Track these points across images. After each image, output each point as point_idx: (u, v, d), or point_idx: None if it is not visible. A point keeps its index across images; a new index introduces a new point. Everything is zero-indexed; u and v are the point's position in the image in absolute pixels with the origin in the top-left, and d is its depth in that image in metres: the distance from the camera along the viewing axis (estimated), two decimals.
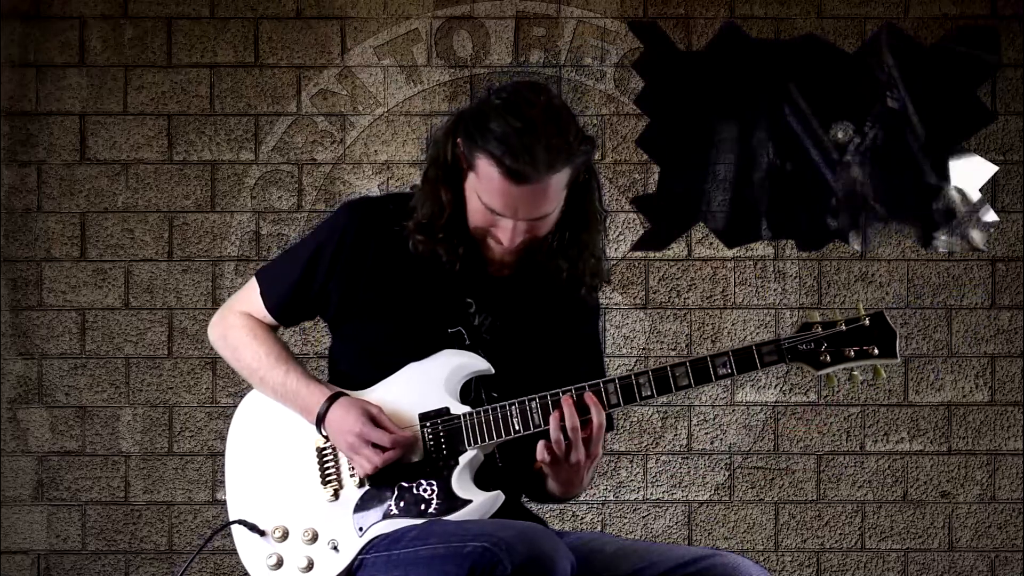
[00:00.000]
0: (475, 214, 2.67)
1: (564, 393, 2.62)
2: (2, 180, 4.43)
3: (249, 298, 2.85)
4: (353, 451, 2.66)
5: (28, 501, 4.42)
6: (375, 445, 2.64)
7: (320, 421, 2.70)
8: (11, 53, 4.43)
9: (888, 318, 2.62)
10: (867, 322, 2.61)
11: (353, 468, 2.70)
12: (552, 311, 2.80)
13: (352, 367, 2.78)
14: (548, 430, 2.62)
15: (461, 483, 2.66)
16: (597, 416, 2.61)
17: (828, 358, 2.61)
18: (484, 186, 2.61)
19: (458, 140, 2.66)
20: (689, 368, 2.62)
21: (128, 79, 4.45)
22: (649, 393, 2.63)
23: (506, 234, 2.64)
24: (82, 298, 4.44)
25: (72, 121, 4.44)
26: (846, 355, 2.61)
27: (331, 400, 2.70)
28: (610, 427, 2.77)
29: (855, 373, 2.63)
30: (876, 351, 2.61)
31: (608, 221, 2.82)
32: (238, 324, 2.83)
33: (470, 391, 2.72)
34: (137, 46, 4.45)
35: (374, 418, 2.66)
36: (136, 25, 4.45)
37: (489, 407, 2.67)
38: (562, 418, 2.59)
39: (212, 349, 2.91)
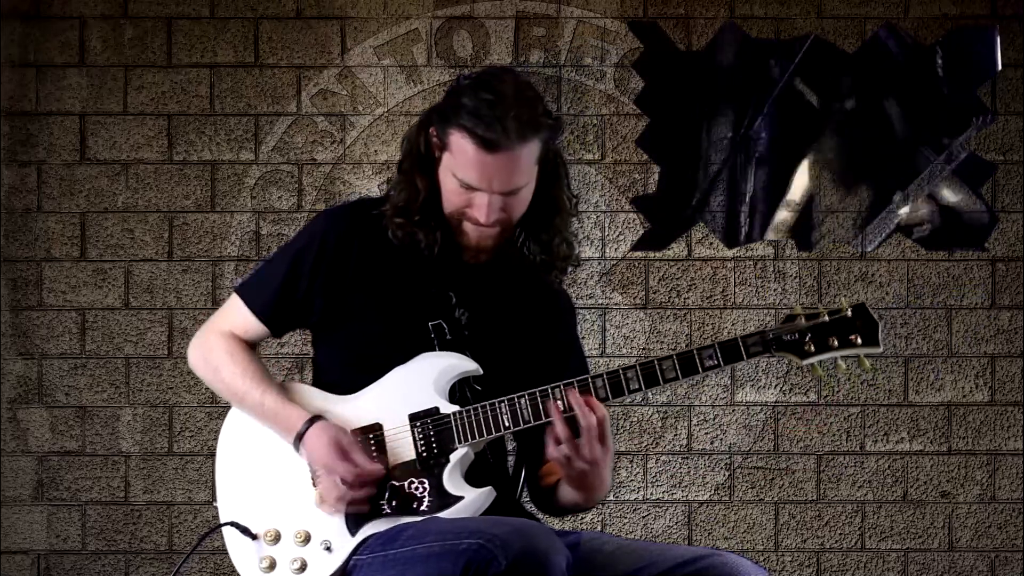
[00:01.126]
0: (451, 195, 2.72)
1: (553, 389, 2.64)
2: (2, 180, 4.44)
3: (230, 315, 2.84)
4: (319, 479, 2.69)
5: (28, 501, 4.43)
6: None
7: (298, 442, 2.71)
8: (11, 53, 4.43)
9: (870, 308, 2.66)
10: (849, 313, 2.66)
11: None
12: (528, 304, 2.83)
13: (339, 373, 2.79)
14: (536, 425, 2.64)
15: (452, 480, 2.66)
16: (600, 409, 2.62)
17: (812, 348, 2.66)
18: (459, 160, 2.66)
19: (431, 130, 2.73)
20: (676, 361, 2.64)
21: (128, 79, 4.46)
22: (637, 386, 2.65)
23: (482, 210, 2.68)
24: (82, 298, 4.44)
25: (72, 121, 4.45)
26: (830, 345, 2.66)
27: (308, 423, 2.70)
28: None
29: (840, 362, 2.67)
30: (859, 340, 2.65)
31: (577, 206, 2.87)
32: (218, 345, 2.82)
33: (455, 388, 2.73)
34: (137, 46, 4.45)
35: (343, 449, 2.66)
36: (136, 25, 4.45)
37: (479, 405, 2.68)
38: (566, 411, 2.62)
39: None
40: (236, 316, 2.83)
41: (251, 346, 2.85)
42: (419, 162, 2.75)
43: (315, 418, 2.71)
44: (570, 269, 2.90)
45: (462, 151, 2.65)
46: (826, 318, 2.66)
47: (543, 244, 2.79)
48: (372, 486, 2.66)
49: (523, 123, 2.63)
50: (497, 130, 2.61)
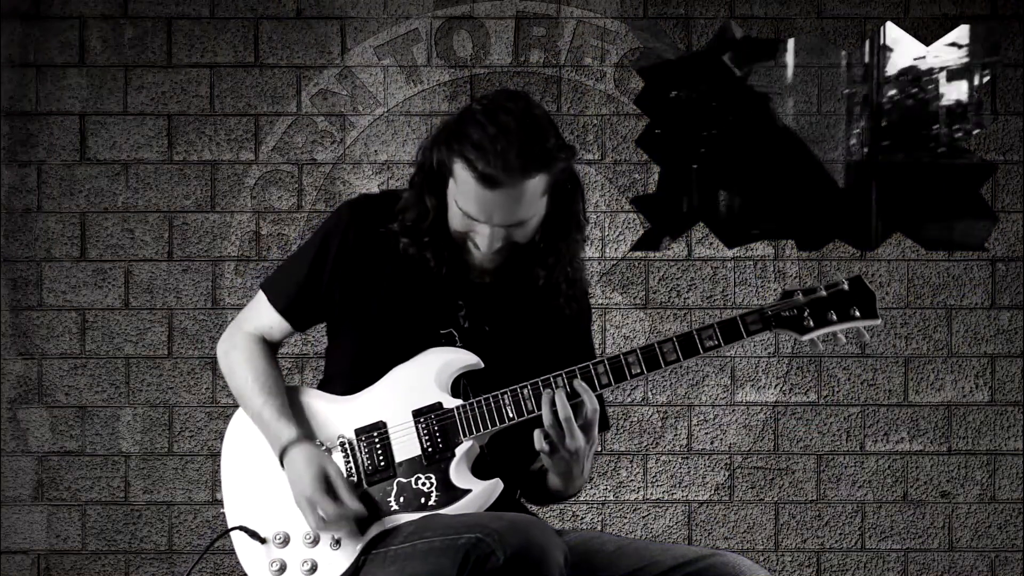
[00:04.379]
0: (454, 219, 2.70)
1: (555, 377, 2.65)
2: (2, 180, 4.43)
3: (258, 312, 2.86)
4: (301, 508, 2.68)
5: (28, 501, 4.42)
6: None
7: (282, 456, 2.72)
8: (11, 53, 4.43)
9: (866, 281, 2.68)
10: (846, 286, 2.67)
11: (349, 469, 2.71)
12: (538, 316, 2.81)
13: (346, 369, 2.79)
14: (540, 416, 2.63)
15: (459, 474, 2.67)
16: (589, 401, 2.63)
17: (811, 323, 2.67)
18: (460, 190, 2.64)
19: (442, 147, 2.69)
20: (676, 343, 2.65)
21: (128, 79, 4.45)
22: (639, 371, 2.65)
23: (483, 240, 2.67)
24: (82, 298, 4.44)
25: (72, 121, 4.45)
26: (829, 319, 2.67)
27: (288, 445, 2.71)
28: (605, 427, 2.79)
29: (840, 336, 2.67)
30: (858, 312, 2.66)
31: (588, 230, 2.83)
32: (240, 346, 2.85)
33: (459, 390, 2.73)
34: (137, 46, 4.45)
35: (329, 482, 2.67)
36: (136, 25, 4.45)
37: (482, 398, 2.68)
38: (553, 404, 2.61)
39: (212, 349, 2.91)
40: (262, 313, 2.85)
41: (274, 349, 2.87)
42: (429, 179, 2.71)
43: (296, 441, 2.71)
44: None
45: (464, 182, 2.61)
46: (824, 292, 2.67)
47: (548, 267, 2.76)
48: (352, 524, 2.66)
49: (527, 158, 2.58)
50: (497, 166, 2.56)
